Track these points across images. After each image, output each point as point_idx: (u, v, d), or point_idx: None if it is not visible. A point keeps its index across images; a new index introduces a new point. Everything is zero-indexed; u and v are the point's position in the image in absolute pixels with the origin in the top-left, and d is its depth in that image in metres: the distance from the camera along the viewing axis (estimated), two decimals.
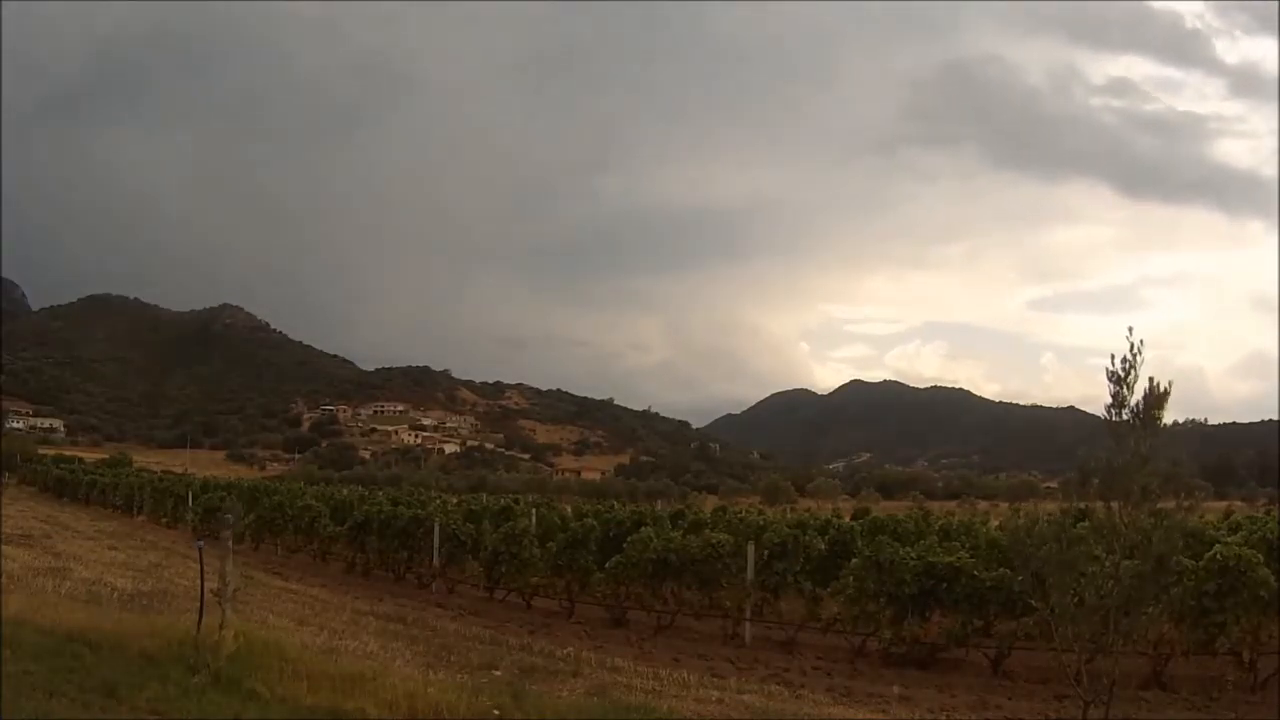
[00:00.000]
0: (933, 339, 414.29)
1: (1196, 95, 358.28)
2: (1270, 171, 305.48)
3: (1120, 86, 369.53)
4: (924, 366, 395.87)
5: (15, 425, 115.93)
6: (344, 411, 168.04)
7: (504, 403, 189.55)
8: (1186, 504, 5.98)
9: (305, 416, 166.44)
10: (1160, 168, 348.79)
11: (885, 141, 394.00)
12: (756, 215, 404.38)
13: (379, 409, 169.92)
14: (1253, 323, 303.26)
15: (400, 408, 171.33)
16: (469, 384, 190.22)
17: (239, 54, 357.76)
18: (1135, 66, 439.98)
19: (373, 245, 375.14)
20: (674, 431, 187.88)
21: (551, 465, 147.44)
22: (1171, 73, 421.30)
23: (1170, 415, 5.96)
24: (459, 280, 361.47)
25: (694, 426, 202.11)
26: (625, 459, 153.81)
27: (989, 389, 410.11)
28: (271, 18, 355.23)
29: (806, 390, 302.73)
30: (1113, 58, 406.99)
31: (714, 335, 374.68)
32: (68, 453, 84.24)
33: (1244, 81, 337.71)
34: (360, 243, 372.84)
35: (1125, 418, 5.85)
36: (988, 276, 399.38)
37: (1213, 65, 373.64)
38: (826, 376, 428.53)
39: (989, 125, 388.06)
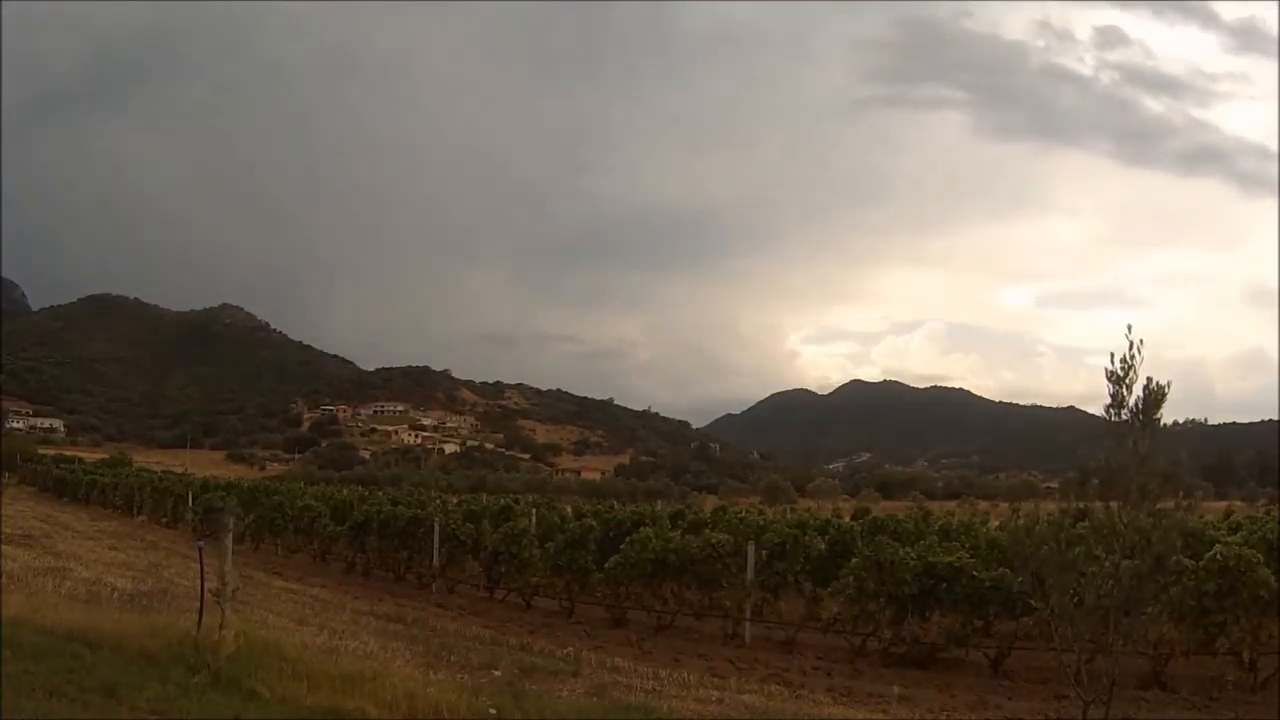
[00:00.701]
0: (927, 335, 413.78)
1: (1196, 54, 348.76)
2: (1273, 146, 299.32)
3: (1113, 40, 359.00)
4: (918, 363, 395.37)
5: (15, 425, 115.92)
6: (344, 411, 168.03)
7: (504, 403, 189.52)
8: (1185, 504, 5.98)
9: (305, 416, 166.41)
10: (1159, 134, 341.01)
11: (867, 113, 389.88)
12: (747, 211, 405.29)
13: (379, 409, 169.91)
14: (1252, 318, 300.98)
15: (400, 408, 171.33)
16: (469, 384, 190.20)
17: (236, 53, 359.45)
18: (1129, 22, 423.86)
19: (372, 245, 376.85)
20: (674, 431, 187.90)
21: (551, 465, 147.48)
22: (1168, 29, 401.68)
23: (1170, 414, 5.96)
24: (459, 280, 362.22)
25: (694, 426, 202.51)
26: (625, 459, 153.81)
27: (981, 383, 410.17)
28: (269, 16, 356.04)
29: (806, 390, 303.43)
30: (1103, 9, 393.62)
31: (712, 334, 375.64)
32: (68, 453, 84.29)
33: (1245, 41, 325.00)
34: (359, 242, 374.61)
35: (1124, 418, 5.85)
36: (983, 271, 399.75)
37: (1210, 20, 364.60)
38: (822, 374, 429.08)
39: (976, 91, 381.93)
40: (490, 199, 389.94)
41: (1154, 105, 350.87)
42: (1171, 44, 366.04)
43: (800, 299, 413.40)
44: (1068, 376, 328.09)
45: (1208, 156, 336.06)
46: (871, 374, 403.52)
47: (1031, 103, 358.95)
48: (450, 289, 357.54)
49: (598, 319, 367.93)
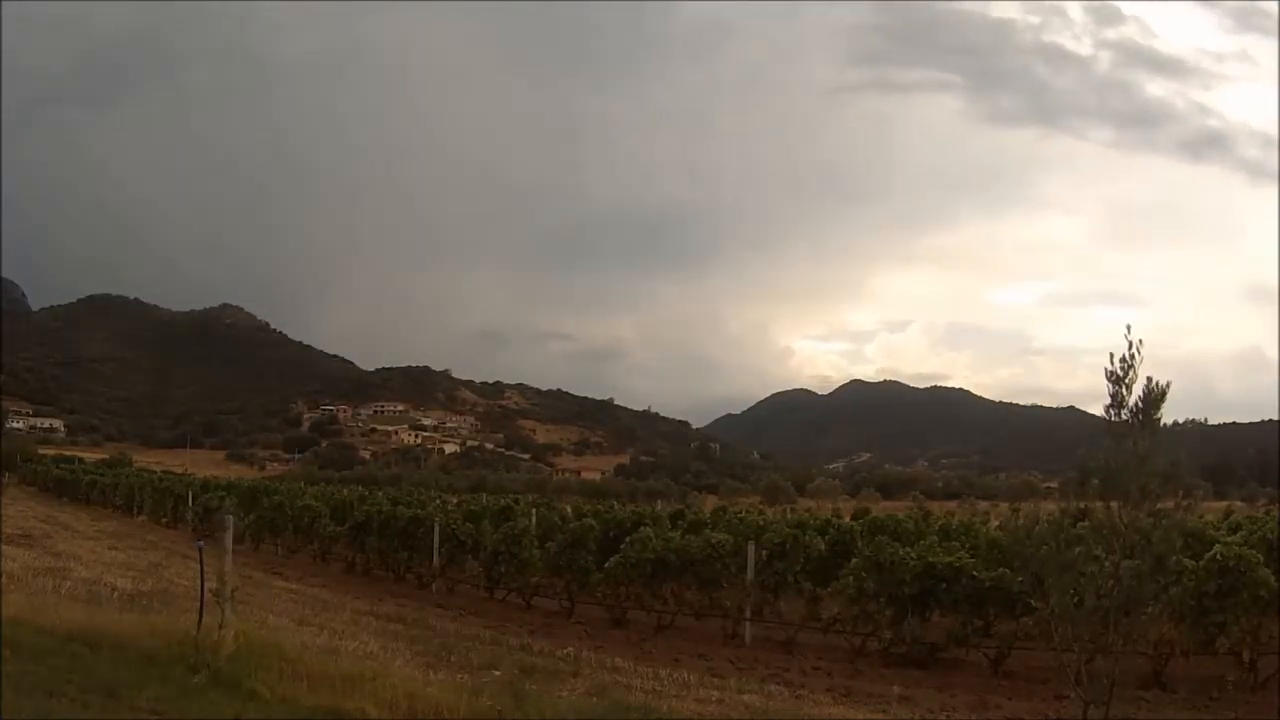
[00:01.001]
0: (925, 335, 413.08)
1: (1196, 33, 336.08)
2: (1273, 131, 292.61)
3: (1109, 18, 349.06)
4: (915, 362, 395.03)
5: (15, 425, 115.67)
6: (344, 411, 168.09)
7: (504, 403, 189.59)
8: (1185, 504, 5.97)
9: (305, 416, 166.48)
10: (1160, 119, 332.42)
11: (856, 104, 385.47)
12: (738, 209, 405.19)
13: (379, 409, 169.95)
14: (1253, 315, 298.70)
15: (400, 408, 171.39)
16: (469, 384, 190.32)
17: (234, 53, 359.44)
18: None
19: (371, 245, 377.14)
20: (674, 431, 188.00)
21: (551, 465, 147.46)
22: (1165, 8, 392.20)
23: (1170, 414, 5.95)
24: (457, 279, 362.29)
25: (694, 426, 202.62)
26: (625, 459, 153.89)
27: (979, 381, 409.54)
28: (269, 16, 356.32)
29: (806, 390, 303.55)
30: None
31: (705, 333, 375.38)
32: (68, 453, 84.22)
33: (1245, 20, 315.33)
34: (359, 242, 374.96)
35: (1124, 418, 5.84)
36: (978, 268, 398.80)
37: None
38: (819, 373, 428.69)
39: (969, 75, 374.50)
40: (486, 198, 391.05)
41: (1155, 88, 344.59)
42: (1170, 21, 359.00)
43: (795, 298, 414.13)
44: (1067, 376, 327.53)
45: (1211, 143, 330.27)
46: (868, 373, 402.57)
47: (1026, 84, 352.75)
48: (449, 288, 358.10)
49: (591, 318, 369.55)
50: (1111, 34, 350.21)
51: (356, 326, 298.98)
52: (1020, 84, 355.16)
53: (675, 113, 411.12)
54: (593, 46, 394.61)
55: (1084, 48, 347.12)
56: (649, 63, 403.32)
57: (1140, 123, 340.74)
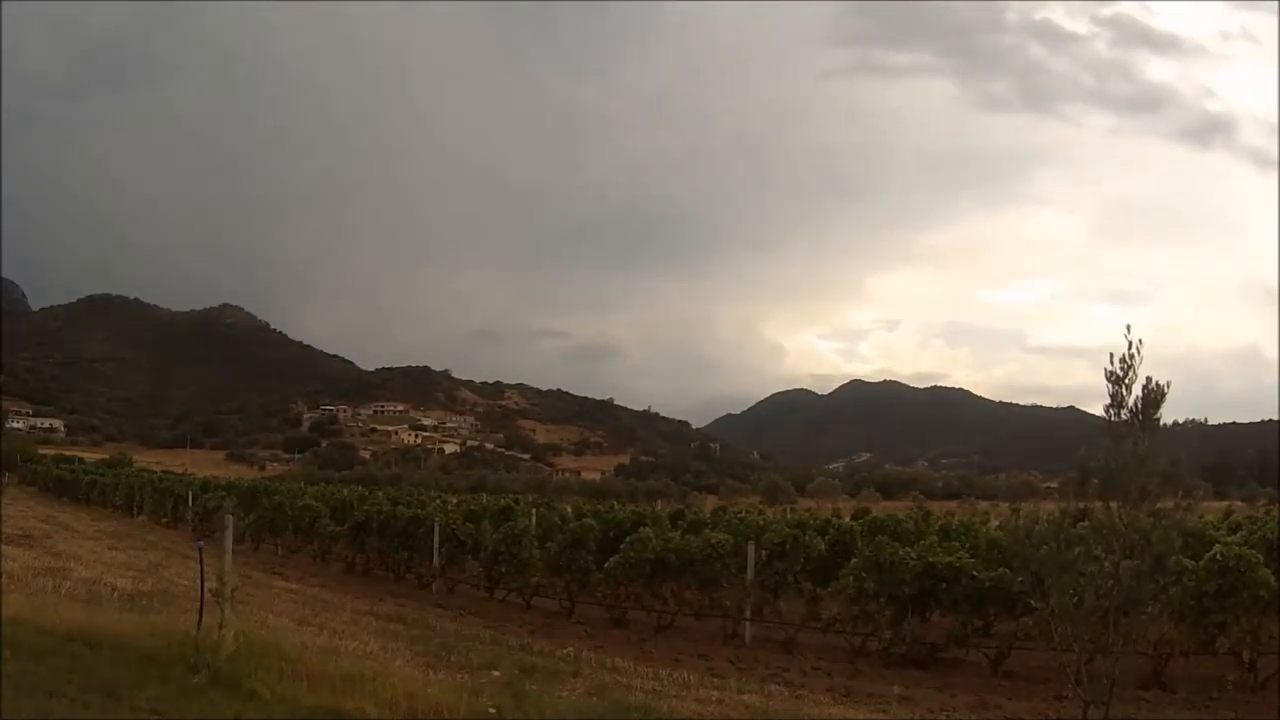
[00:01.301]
0: (925, 334, 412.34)
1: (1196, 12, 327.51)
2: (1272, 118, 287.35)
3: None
4: (914, 361, 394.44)
5: (15, 425, 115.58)
6: (344, 411, 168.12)
7: (504, 403, 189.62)
8: (1185, 504, 5.97)
9: (305, 416, 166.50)
10: (1160, 103, 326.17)
11: (848, 95, 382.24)
12: (732, 207, 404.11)
13: (379, 409, 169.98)
14: (1253, 314, 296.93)
15: (400, 408, 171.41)
16: (469, 384, 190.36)
17: (232, 52, 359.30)
18: None
19: (371, 244, 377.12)
20: (674, 431, 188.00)
21: (551, 465, 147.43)
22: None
23: (1170, 413, 5.95)
24: (456, 278, 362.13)
25: (694, 426, 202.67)
26: (625, 459, 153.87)
27: (977, 379, 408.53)
28: (271, 16, 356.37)
29: (806, 390, 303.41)
30: None
31: (710, 334, 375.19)
32: (68, 453, 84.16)
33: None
34: (359, 242, 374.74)
35: (1124, 417, 5.83)
36: (977, 268, 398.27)
37: None
38: (816, 372, 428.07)
39: (960, 58, 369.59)
40: (486, 198, 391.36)
41: (1155, 70, 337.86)
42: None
43: (793, 297, 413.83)
44: (1066, 375, 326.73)
45: (1215, 129, 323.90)
46: (868, 372, 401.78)
47: (1019, 67, 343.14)
48: (449, 288, 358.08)
49: (590, 317, 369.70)
50: (1107, 11, 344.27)
51: (357, 326, 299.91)
52: (1014, 67, 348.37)
53: (670, 109, 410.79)
54: (589, 44, 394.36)
55: (1080, 26, 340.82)
56: (641, 59, 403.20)
57: (1141, 107, 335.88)
